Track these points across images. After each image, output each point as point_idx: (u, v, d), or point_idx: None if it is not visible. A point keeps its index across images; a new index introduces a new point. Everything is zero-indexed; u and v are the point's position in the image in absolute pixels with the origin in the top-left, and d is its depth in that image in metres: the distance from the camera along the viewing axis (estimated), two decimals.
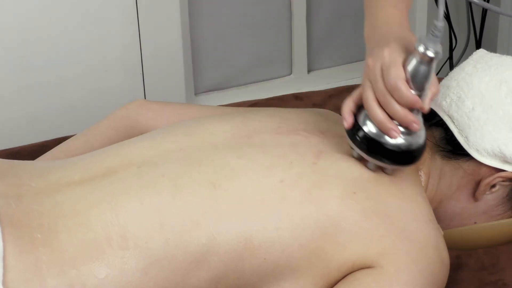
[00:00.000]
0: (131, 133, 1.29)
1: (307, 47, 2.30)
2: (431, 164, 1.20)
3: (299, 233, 1.03)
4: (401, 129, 1.03)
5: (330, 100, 1.68)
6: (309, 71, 2.35)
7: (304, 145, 1.11)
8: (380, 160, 1.06)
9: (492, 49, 2.31)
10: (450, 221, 1.21)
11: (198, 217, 1.02)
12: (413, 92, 1.00)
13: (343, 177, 1.07)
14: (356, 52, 2.37)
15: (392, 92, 1.01)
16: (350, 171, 1.08)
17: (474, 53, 1.27)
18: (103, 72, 1.99)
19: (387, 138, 1.04)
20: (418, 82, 1.00)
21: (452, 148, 1.19)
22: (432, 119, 1.21)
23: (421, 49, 0.99)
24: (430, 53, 0.98)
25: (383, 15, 1.11)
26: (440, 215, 1.19)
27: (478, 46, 2.41)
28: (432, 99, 1.03)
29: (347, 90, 1.72)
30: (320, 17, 2.33)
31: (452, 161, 1.19)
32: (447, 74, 1.27)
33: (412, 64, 1.00)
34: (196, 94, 2.26)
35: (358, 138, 1.05)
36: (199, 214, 1.02)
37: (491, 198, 1.19)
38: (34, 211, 1.02)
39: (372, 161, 1.07)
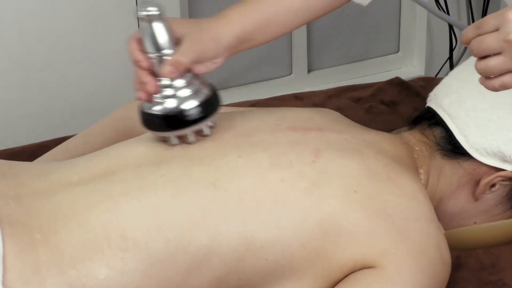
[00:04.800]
0: (131, 133, 1.29)
1: (307, 47, 2.29)
2: (431, 163, 1.20)
3: (300, 233, 1.03)
4: (168, 93, 1.04)
5: (330, 100, 1.68)
6: (309, 71, 2.35)
7: (303, 143, 1.11)
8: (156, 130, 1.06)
9: None
10: (450, 220, 1.21)
11: (198, 217, 1.02)
12: (151, 55, 1.04)
13: (342, 175, 1.07)
14: (356, 52, 2.36)
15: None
16: (349, 169, 1.08)
17: None
18: (103, 72, 1.98)
19: (150, 107, 1.05)
20: (152, 43, 1.04)
21: (452, 147, 1.19)
22: (432, 118, 1.22)
23: (140, 13, 1.03)
24: (141, 13, 1.02)
25: None
26: (439, 215, 1.19)
27: None
28: (173, 65, 1.04)
29: (347, 90, 1.72)
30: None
31: (452, 160, 1.19)
32: (447, 74, 1.27)
33: (142, 27, 1.04)
34: None
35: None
36: (199, 214, 1.02)
37: (491, 197, 1.19)
38: (34, 211, 1.02)
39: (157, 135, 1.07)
